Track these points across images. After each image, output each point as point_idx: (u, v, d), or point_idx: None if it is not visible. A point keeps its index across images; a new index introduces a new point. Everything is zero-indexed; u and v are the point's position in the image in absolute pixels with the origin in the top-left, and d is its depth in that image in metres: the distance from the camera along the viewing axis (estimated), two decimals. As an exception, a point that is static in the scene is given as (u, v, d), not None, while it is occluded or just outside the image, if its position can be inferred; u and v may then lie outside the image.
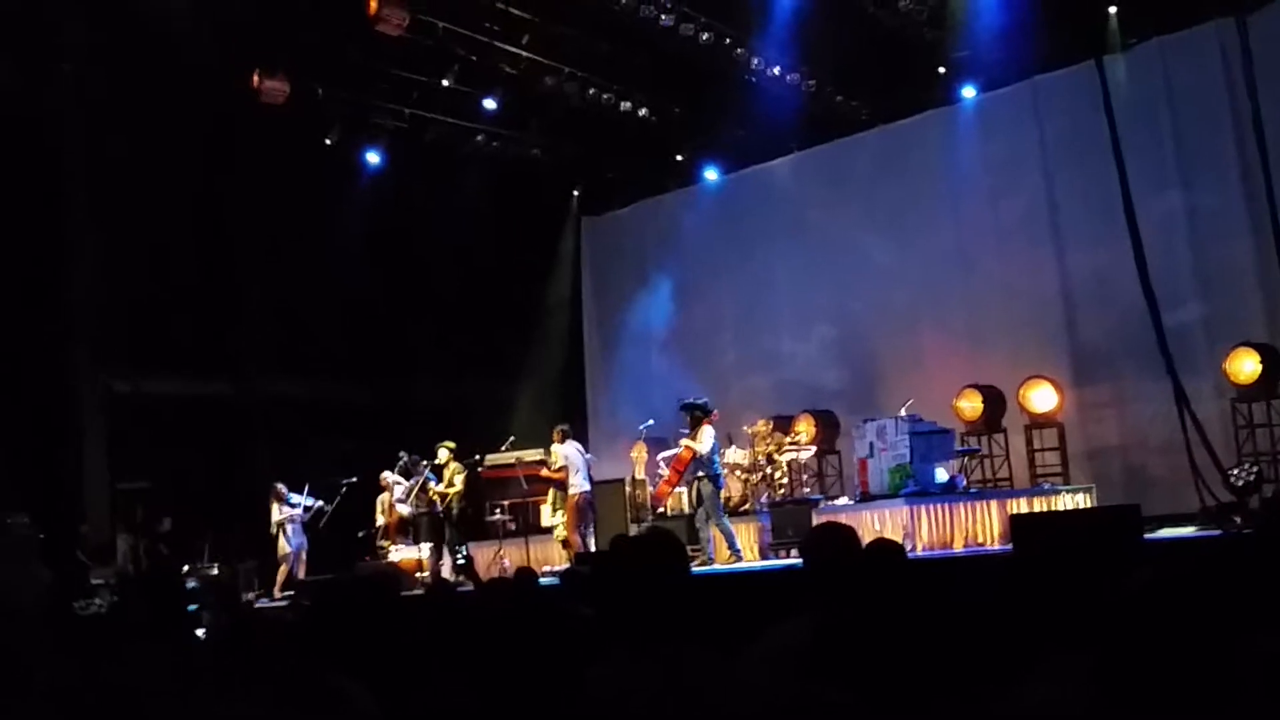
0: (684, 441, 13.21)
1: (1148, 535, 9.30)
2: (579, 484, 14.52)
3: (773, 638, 3.72)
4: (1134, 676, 2.33)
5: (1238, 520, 9.99)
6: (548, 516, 15.41)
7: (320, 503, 16.18)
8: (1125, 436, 14.55)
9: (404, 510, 15.88)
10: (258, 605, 13.66)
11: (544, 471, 14.86)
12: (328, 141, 16.56)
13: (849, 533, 4.47)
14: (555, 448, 14.77)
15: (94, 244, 15.89)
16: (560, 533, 14.75)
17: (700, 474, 13.01)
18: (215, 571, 15.05)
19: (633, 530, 13.58)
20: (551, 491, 15.09)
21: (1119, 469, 14.38)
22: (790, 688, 3.06)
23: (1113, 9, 14.43)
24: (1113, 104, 13.52)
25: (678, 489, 14.30)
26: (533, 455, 15.79)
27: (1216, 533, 9.88)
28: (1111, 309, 14.37)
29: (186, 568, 14.51)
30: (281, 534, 16.04)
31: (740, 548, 13.04)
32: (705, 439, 13.02)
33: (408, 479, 15.90)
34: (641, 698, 2.88)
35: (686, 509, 13.96)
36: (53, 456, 15.54)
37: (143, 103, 14.77)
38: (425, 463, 15.72)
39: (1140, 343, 13.51)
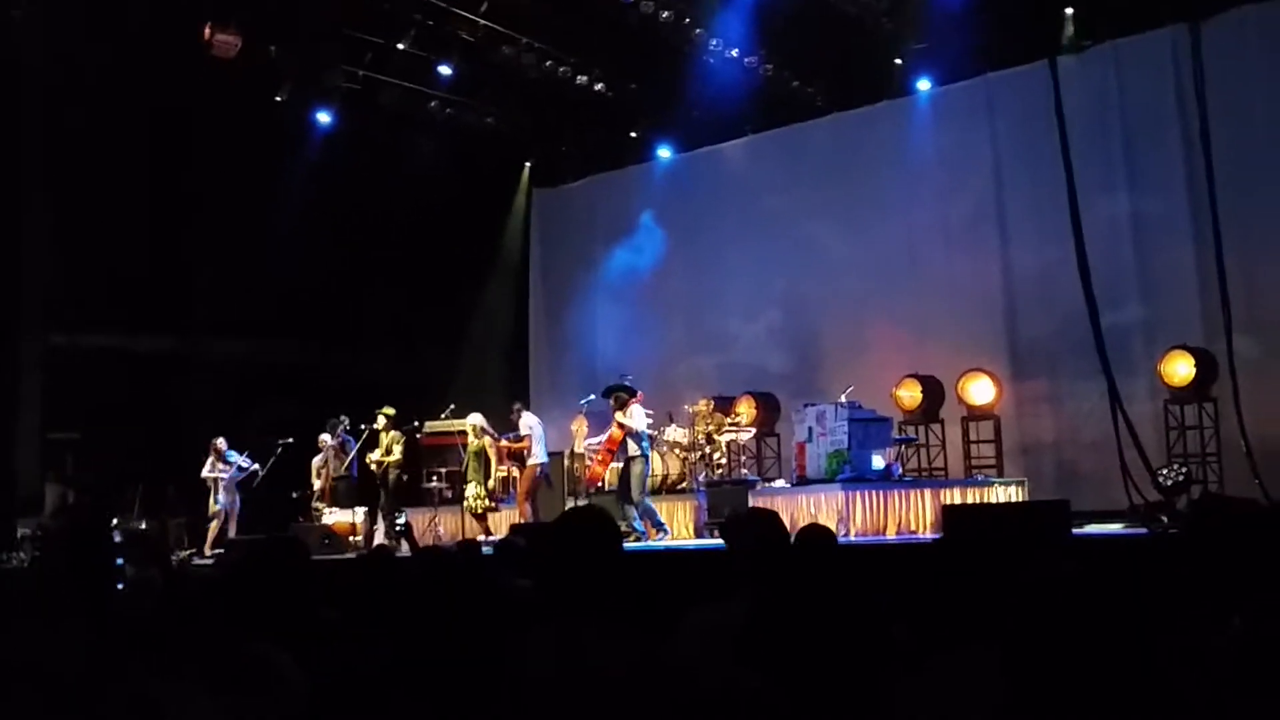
0: (616, 418, 13.26)
1: (1076, 530, 9.46)
2: (539, 454, 14.53)
3: (700, 619, 3.76)
4: (1041, 670, 2.36)
5: (1164, 520, 10.17)
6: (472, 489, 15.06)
7: (255, 465, 16.06)
8: (1059, 432, 14.75)
9: (329, 472, 15.83)
10: (194, 563, 13.55)
11: (504, 443, 14.80)
12: (278, 99, 16.37)
13: (773, 517, 4.51)
14: (523, 418, 14.74)
15: (39, 197, 15.63)
16: (475, 504, 14.65)
17: (633, 453, 13.10)
18: (143, 526, 14.91)
19: (569, 504, 13.60)
20: (467, 461, 14.91)
21: (1052, 464, 14.58)
22: (716, 671, 3.09)
23: (1069, 10, 14.54)
24: (1064, 105, 13.65)
25: (613, 465, 14.36)
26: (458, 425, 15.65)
27: (1143, 531, 10.05)
28: (1053, 307, 14.53)
29: (115, 520, 14.36)
30: (212, 491, 15.92)
31: (664, 524, 13.14)
32: (637, 416, 13.12)
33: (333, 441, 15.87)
34: (569, 672, 2.89)
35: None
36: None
37: (92, 52, 14.52)
38: (345, 425, 15.66)
39: (1079, 341, 13.68)
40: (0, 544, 12.01)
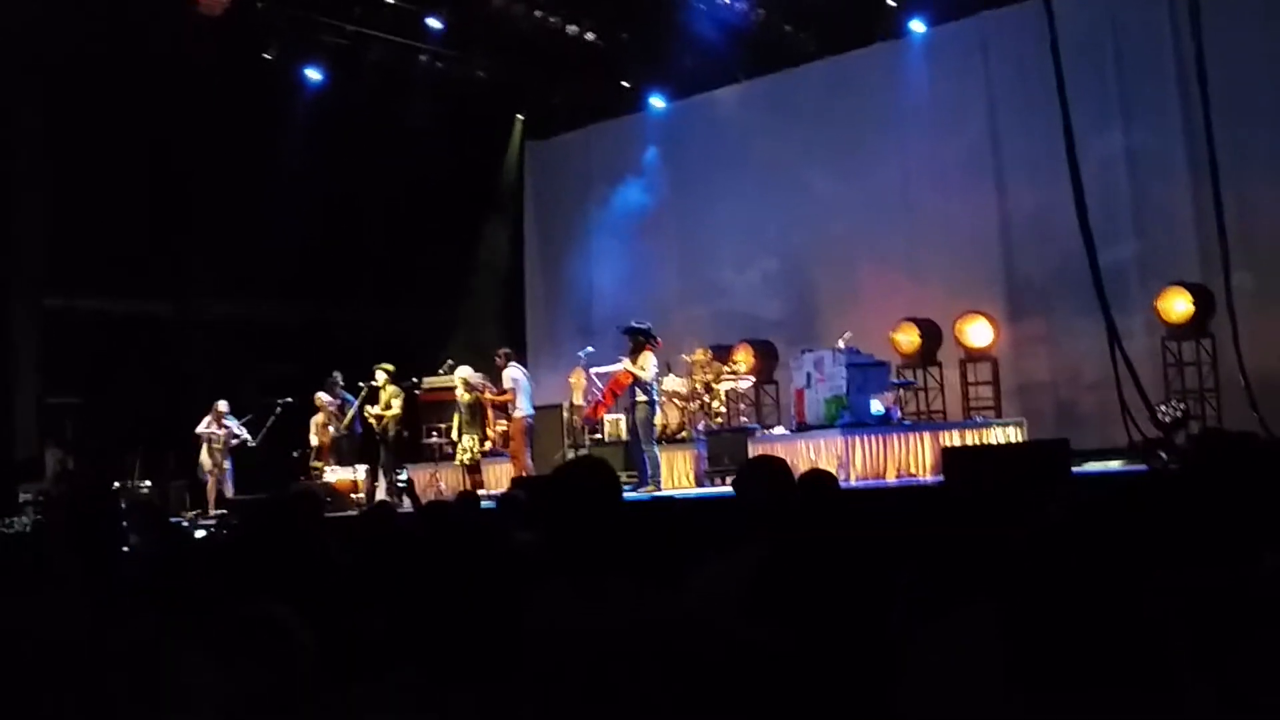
0: (624, 364, 13.20)
1: (1076, 469, 9.49)
2: (524, 407, 14.51)
3: (711, 571, 3.76)
4: (1039, 630, 2.33)
5: (1163, 456, 10.19)
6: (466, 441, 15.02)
7: (246, 435, 16.07)
8: (1057, 372, 14.77)
9: (331, 431, 15.84)
10: (200, 523, 13.56)
11: (487, 395, 14.79)
12: (267, 56, 16.24)
13: (782, 465, 4.50)
14: (507, 371, 14.69)
15: (31, 159, 15.54)
16: (467, 456, 14.64)
17: (639, 399, 13.03)
18: (145, 489, 14.93)
19: (569, 456, 13.62)
20: (457, 415, 14.87)
21: (1050, 404, 14.61)
22: (728, 624, 3.09)
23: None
24: (1059, 43, 13.53)
25: (611, 414, 14.34)
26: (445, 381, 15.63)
27: (1142, 468, 10.09)
28: (1049, 246, 14.48)
29: (116, 485, 14.38)
30: (205, 449, 15.92)
31: (660, 479, 13.12)
32: (648, 364, 13.05)
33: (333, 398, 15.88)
34: (579, 627, 2.90)
35: (625, 435, 14.00)
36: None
37: (80, 12, 14.38)
38: (340, 383, 15.67)
39: (1075, 280, 13.60)
40: (1, 509, 12.01)
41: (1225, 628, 2.56)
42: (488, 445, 15.10)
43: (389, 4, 15.85)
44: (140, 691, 2.58)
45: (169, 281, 17.51)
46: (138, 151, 16.40)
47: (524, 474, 13.92)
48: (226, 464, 15.99)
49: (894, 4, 15.97)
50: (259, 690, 2.50)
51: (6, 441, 14.89)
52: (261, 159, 16.36)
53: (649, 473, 12.86)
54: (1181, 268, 13.37)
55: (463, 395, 14.62)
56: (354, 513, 13.27)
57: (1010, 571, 2.45)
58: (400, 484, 14.65)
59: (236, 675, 2.49)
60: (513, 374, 14.68)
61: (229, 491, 15.77)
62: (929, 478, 12.01)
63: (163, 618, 3.24)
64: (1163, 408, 11.22)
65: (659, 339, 13.58)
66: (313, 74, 17.12)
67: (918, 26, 16.07)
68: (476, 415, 14.64)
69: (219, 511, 15.08)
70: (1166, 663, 2.31)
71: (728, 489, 11.97)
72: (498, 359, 14.85)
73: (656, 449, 13.20)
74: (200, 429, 16.01)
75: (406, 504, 13.25)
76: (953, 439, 12.78)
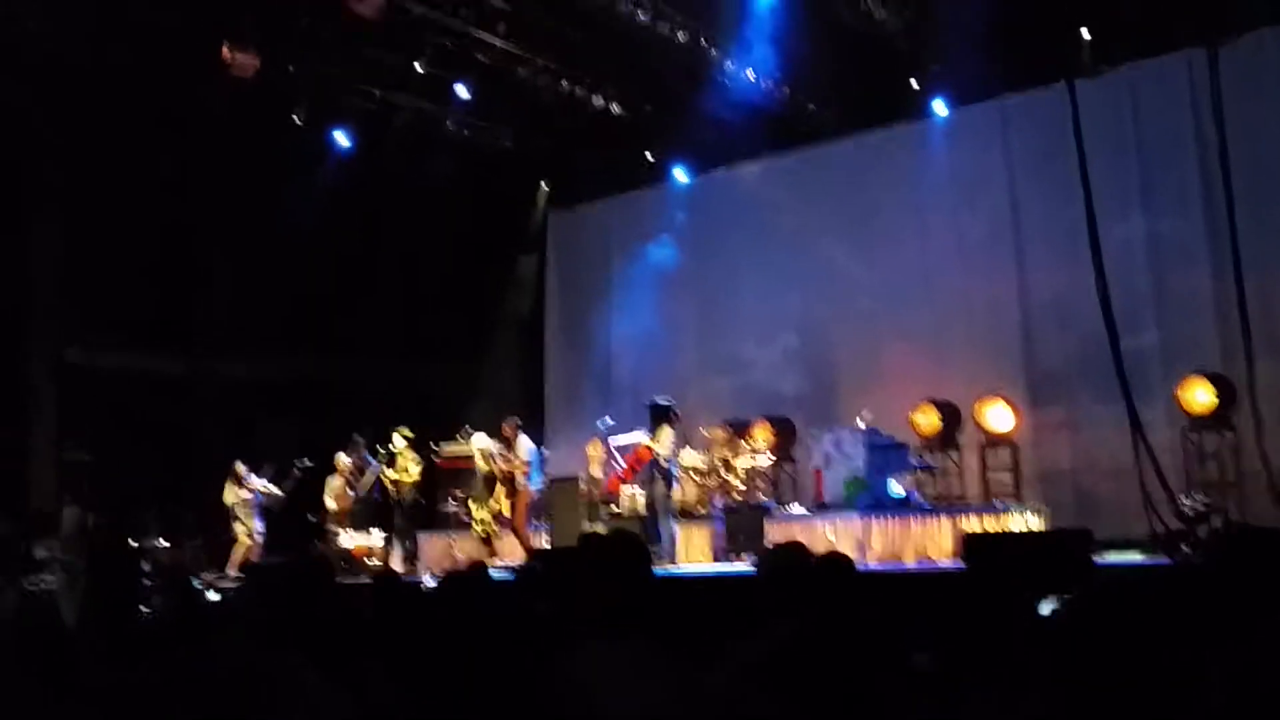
0: (643, 440, 13.15)
1: (1096, 560, 9.38)
2: (535, 480, 14.47)
3: (739, 648, 3.73)
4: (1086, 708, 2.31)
5: (1186, 549, 10.09)
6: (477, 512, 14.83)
7: (277, 491, 15.91)
8: (1077, 459, 14.65)
9: (350, 494, 15.74)
10: (219, 585, 13.41)
11: (502, 465, 14.63)
12: (295, 119, 16.43)
13: (802, 550, 4.49)
14: (520, 441, 14.56)
15: (55, 213, 15.68)
16: (479, 528, 14.51)
17: (657, 475, 12.99)
18: (164, 545, 14.81)
19: (586, 528, 13.54)
20: (479, 483, 14.62)
21: (1070, 491, 14.46)
22: (751, 701, 3.06)
23: (1085, 33, 14.51)
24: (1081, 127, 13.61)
25: (628, 488, 14.26)
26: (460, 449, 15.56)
27: (1165, 560, 9.97)
28: (1069, 331, 14.46)
29: (135, 544, 14.30)
30: (236, 516, 15.75)
31: (675, 553, 13.02)
32: (666, 440, 13.02)
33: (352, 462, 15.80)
34: (606, 693, 2.86)
35: (643, 510, 13.88)
36: (1, 423, 15.32)
37: (109, 70, 14.57)
38: (363, 445, 15.61)
39: (1096, 367, 13.57)
40: (26, 567, 11.98)
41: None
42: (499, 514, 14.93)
43: (418, 71, 16.03)
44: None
45: (187, 338, 17.58)
46: (160, 208, 16.56)
47: (528, 546, 13.83)
48: (259, 526, 15.69)
49: (917, 86, 16.07)
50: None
51: (22, 497, 14.87)
52: (285, 218, 16.46)
53: (665, 547, 12.77)
54: (1203, 356, 13.34)
55: (481, 465, 14.51)
56: (368, 580, 13.13)
57: (1054, 651, 2.42)
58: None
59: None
60: (527, 444, 14.59)
61: (255, 556, 15.39)
62: (948, 562, 11.89)
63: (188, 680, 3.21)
64: (1185, 500, 11.13)
65: (679, 414, 13.56)
66: (340, 137, 17.30)
67: (940, 108, 16.17)
68: (491, 485, 14.52)
69: (238, 575, 14.89)
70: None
71: (745, 566, 11.92)
72: (507, 427, 14.65)
73: (674, 524, 13.12)
74: (228, 498, 15.70)
75: (427, 579, 13.10)
76: (972, 524, 12.66)
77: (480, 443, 14.57)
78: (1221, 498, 12.46)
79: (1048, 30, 14.44)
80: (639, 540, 3.43)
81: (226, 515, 15.80)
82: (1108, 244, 13.48)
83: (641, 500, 13.67)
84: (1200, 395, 12.93)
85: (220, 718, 2.55)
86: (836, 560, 5.07)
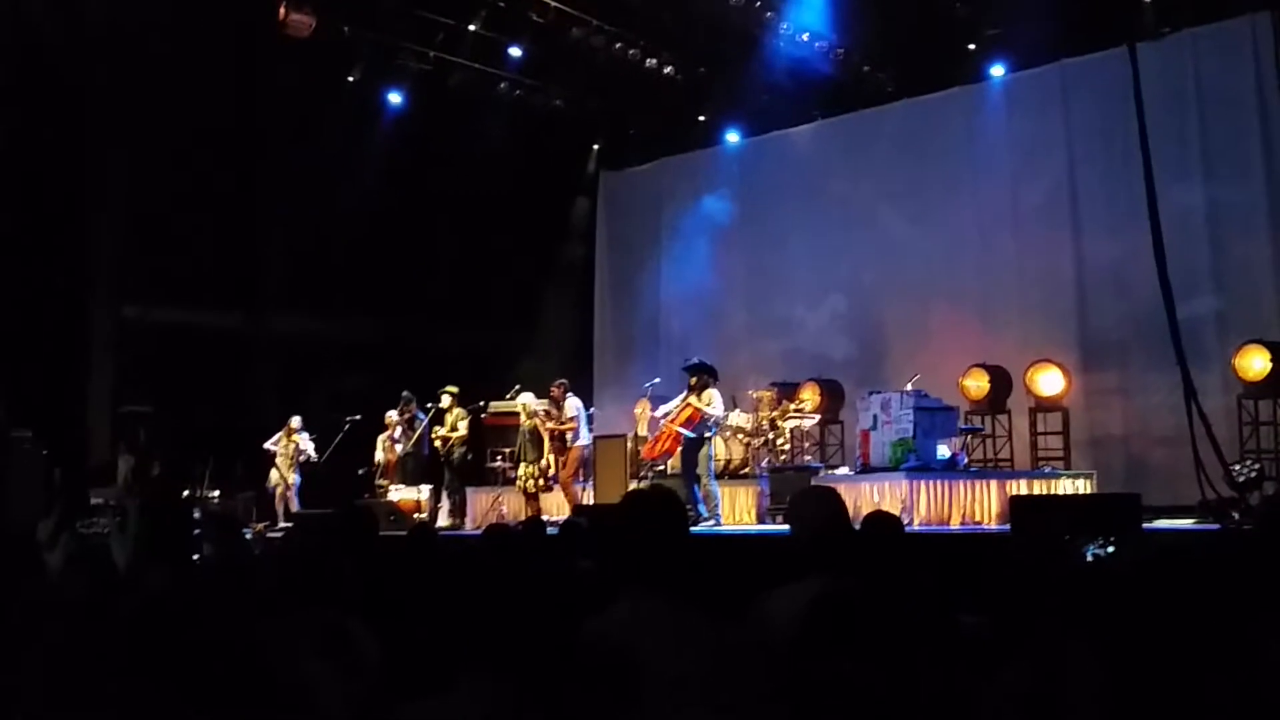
0: (691, 401, 13.11)
1: (1145, 525, 9.33)
2: (584, 437, 14.60)
3: (774, 604, 3.75)
4: (1145, 662, 2.32)
5: (1236, 516, 10.00)
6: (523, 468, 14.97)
7: (312, 453, 16.31)
8: (1128, 425, 14.56)
9: (398, 450, 15.98)
10: (268, 535, 13.70)
11: (550, 424, 14.78)
12: (350, 79, 16.51)
13: (833, 495, 4.42)
14: (569, 400, 14.74)
15: (114, 170, 15.86)
16: (526, 484, 14.65)
17: (706, 435, 13.00)
18: (214, 499, 15.12)
19: (633, 486, 13.61)
20: (521, 440, 14.82)
21: (1120, 457, 14.39)
22: (790, 655, 3.09)
23: (1147, -5, 14.30)
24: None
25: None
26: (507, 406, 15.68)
27: (1214, 527, 9.90)
28: (1124, 298, 14.31)
29: (187, 493, 14.57)
30: (276, 465, 16.19)
31: (720, 514, 13.02)
32: (715, 401, 13.01)
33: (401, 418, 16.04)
34: (641, 651, 2.90)
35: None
36: (60, 376, 15.58)
37: (168, 28, 14.69)
38: (413, 400, 15.80)
39: (1150, 333, 13.43)
40: (80, 511, 12.21)
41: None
42: (550, 471, 15.05)
43: (472, 32, 16.05)
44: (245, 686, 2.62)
45: (242, 294, 17.76)
46: (217, 166, 16.69)
47: (575, 503, 13.94)
48: (294, 478, 16.25)
49: (975, 48, 15.91)
50: (348, 688, 2.54)
51: (81, 446, 15.14)
52: (340, 176, 16.62)
53: (712, 505, 12.78)
54: (1260, 325, 13.17)
55: (525, 421, 14.66)
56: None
57: (1112, 605, 2.43)
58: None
59: (331, 672, 2.53)
60: (575, 403, 14.76)
61: (294, 506, 15.99)
62: (994, 525, 11.87)
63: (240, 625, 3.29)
64: (1237, 466, 11.03)
65: (718, 375, 13.55)
66: (394, 97, 17.38)
67: (998, 71, 16.00)
68: (535, 441, 14.65)
69: (285, 525, 15.25)
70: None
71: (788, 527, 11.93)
72: (555, 389, 14.85)
73: (715, 484, 13.13)
74: (269, 444, 16.31)
75: (468, 525, 13.28)
76: (1019, 488, 12.62)
77: (525, 399, 14.72)
78: (1274, 465, 12.35)
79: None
80: (675, 497, 3.46)
81: (268, 462, 16.21)
82: (1165, 210, 13.26)
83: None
84: (1256, 362, 12.79)
85: (256, 671, 2.62)
86: (882, 518, 5.08)
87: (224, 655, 2.71)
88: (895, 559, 4.64)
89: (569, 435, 14.65)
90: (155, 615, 2.72)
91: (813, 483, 12.68)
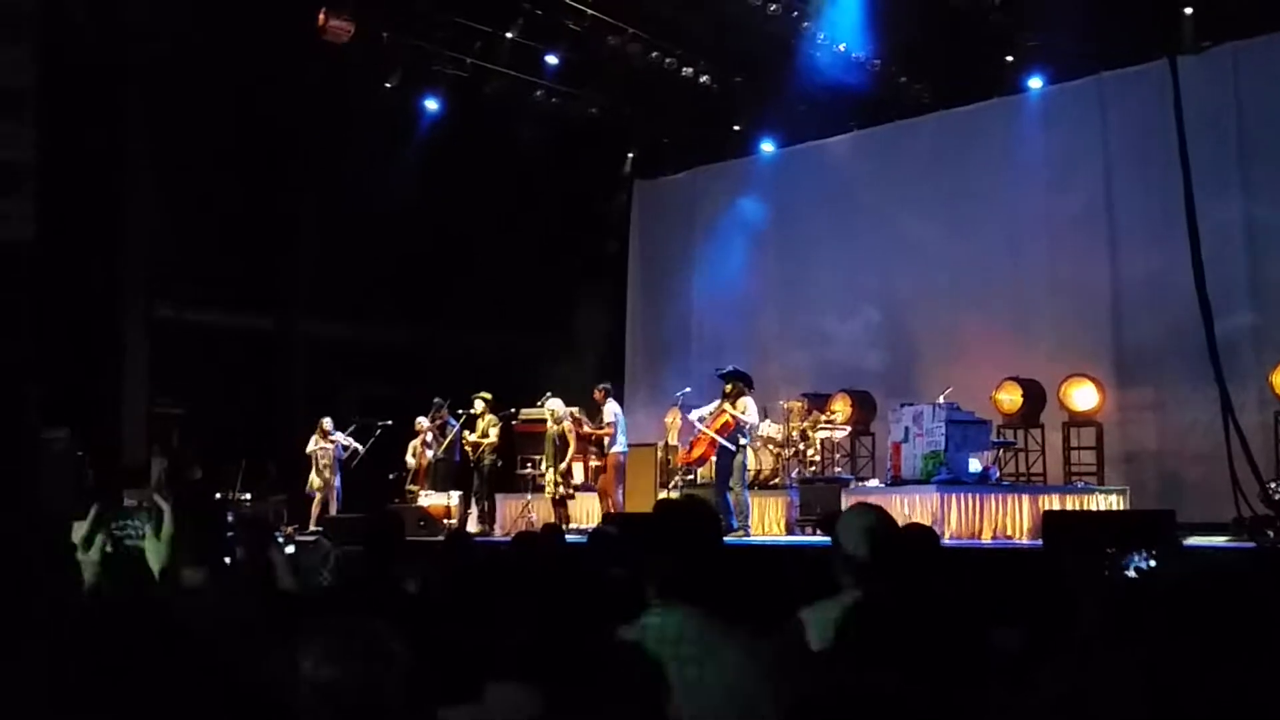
0: (726, 408, 13.05)
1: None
2: (621, 443, 14.60)
3: (808, 617, 3.73)
4: (1191, 678, 2.29)
5: (1272, 534, 9.90)
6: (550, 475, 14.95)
7: (356, 445, 16.39)
8: (1163, 441, 14.42)
9: (429, 455, 16.03)
10: (295, 540, 13.74)
11: (585, 428, 14.80)
12: (388, 85, 16.60)
13: (882, 513, 4.39)
14: (607, 405, 14.77)
15: (150, 171, 15.99)
16: (552, 490, 14.63)
17: (742, 442, 12.95)
18: (246, 502, 15.20)
19: (662, 494, 13.60)
20: (549, 446, 14.84)
21: (1154, 473, 14.27)
22: (826, 666, 3.06)
23: (1188, 9, 14.19)
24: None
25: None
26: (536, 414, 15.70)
27: (1250, 545, 9.80)
28: (1161, 312, 14.18)
29: (218, 495, 14.65)
30: (314, 468, 16.23)
31: (750, 524, 12.98)
32: (750, 409, 12.98)
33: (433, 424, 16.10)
34: (674, 660, 2.89)
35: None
36: (95, 375, 15.70)
37: (205, 32, 14.81)
38: (445, 406, 15.82)
39: (1187, 348, 13.31)
40: (116, 516, 12.28)
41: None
42: (578, 479, 15.04)
43: (509, 39, 16.11)
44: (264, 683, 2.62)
45: (276, 297, 17.88)
46: (253, 169, 16.82)
47: (614, 510, 13.92)
48: (335, 480, 16.33)
49: (1012, 60, 15.83)
50: (369, 692, 2.54)
51: (115, 447, 15.24)
52: (375, 182, 16.71)
53: (743, 515, 12.74)
54: (1298, 342, 13.05)
55: (551, 427, 14.67)
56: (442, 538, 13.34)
57: (1159, 620, 2.41)
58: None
59: (350, 674, 2.53)
60: (614, 409, 14.77)
61: (334, 509, 16.03)
62: (1026, 540, 11.79)
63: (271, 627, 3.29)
64: (1273, 485, 10.91)
65: (753, 383, 13.53)
66: (430, 104, 17.46)
67: (1035, 83, 15.92)
68: (562, 448, 14.65)
69: (316, 529, 15.28)
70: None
71: (818, 538, 11.88)
72: (597, 393, 14.94)
73: (747, 494, 13.10)
74: (310, 448, 16.40)
75: (498, 532, 13.28)
76: (1052, 503, 12.53)
77: (552, 405, 14.74)
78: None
79: (1148, 6, 14.14)
80: (709, 507, 3.45)
81: (306, 466, 16.26)
82: (1203, 226, 13.19)
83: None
84: (1293, 380, 12.66)
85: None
86: (919, 531, 5.04)
87: (241, 662, 2.72)
88: (931, 571, 4.61)
89: (605, 440, 14.64)
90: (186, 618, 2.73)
91: (843, 495, 12.66)
